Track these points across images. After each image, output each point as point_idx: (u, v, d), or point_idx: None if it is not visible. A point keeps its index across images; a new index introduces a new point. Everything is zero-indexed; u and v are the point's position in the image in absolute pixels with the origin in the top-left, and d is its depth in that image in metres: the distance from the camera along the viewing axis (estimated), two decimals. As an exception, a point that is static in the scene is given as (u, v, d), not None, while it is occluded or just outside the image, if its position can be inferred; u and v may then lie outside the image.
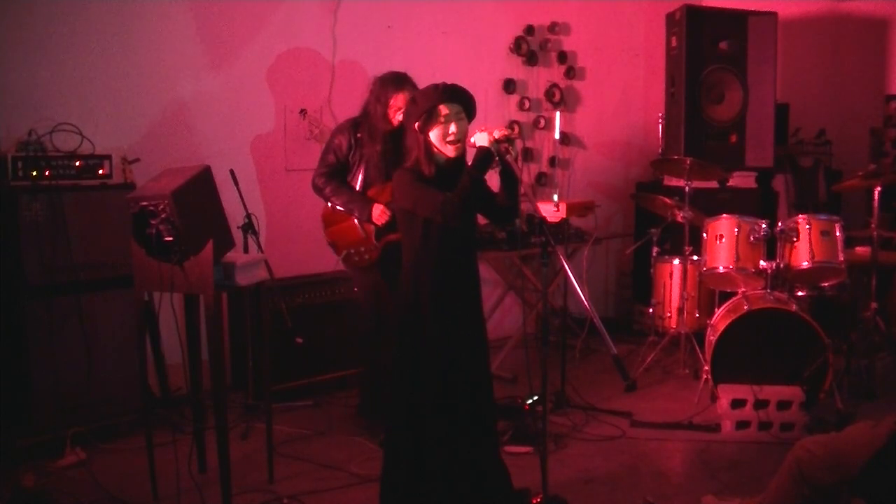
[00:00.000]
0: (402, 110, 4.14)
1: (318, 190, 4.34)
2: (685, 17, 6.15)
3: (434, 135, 3.16)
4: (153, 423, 3.79)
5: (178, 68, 4.99)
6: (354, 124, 4.32)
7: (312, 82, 5.50)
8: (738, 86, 6.32)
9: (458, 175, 3.19)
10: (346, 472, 3.98)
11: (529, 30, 6.57)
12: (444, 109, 3.14)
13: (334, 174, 4.32)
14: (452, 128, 3.15)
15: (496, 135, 3.16)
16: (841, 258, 4.78)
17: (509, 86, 6.49)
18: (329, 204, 4.35)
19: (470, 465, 3.26)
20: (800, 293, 5.04)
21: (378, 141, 4.23)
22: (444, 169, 3.22)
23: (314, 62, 5.51)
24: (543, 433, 3.36)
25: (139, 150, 4.74)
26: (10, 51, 4.38)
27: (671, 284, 5.82)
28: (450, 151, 3.18)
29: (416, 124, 3.18)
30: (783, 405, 4.36)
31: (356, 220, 4.28)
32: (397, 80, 4.21)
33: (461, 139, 3.18)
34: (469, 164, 3.19)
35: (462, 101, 3.19)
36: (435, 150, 3.19)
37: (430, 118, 3.15)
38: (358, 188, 4.30)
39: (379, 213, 4.20)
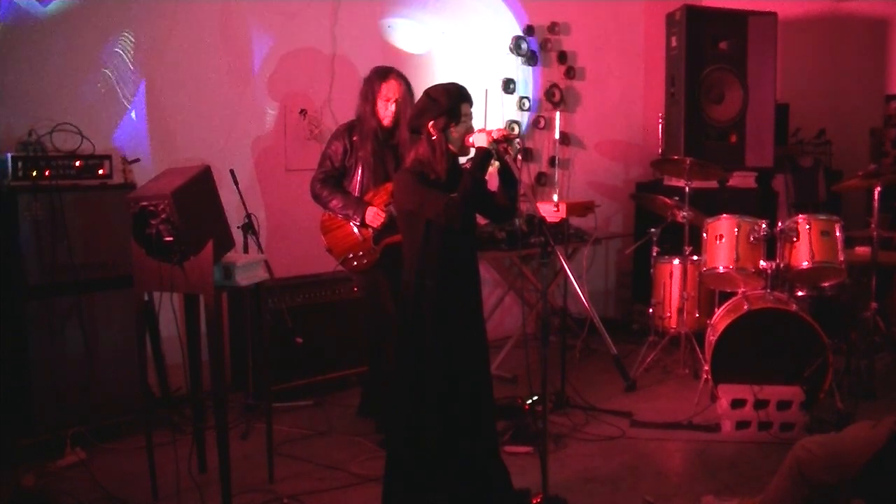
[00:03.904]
0: (393, 99, 4.18)
1: (315, 197, 4.36)
2: (685, 17, 6.16)
3: (456, 133, 3.18)
4: (153, 423, 3.79)
5: (179, 68, 4.99)
6: (349, 128, 4.34)
7: (312, 82, 5.50)
8: (738, 86, 6.32)
9: (455, 174, 3.20)
10: (346, 472, 3.98)
11: (529, 30, 6.57)
12: (465, 108, 3.19)
13: (330, 179, 4.34)
14: (471, 125, 3.21)
15: (495, 135, 3.17)
16: (841, 258, 4.77)
17: (509, 86, 6.49)
18: (327, 210, 4.36)
19: (470, 465, 3.26)
20: (800, 293, 5.04)
21: (368, 139, 4.24)
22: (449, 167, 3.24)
23: (314, 62, 5.51)
24: (543, 433, 3.36)
25: (139, 150, 4.74)
26: (10, 50, 4.39)
27: (671, 284, 5.81)
28: (460, 148, 3.21)
29: (432, 123, 3.17)
30: (783, 405, 4.36)
31: (353, 225, 4.28)
32: (381, 72, 4.25)
33: None
34: (468, 164, 3.21)
35: (472, 102, 3.26)
36: (448, 148, 3.20)
37: (452, 117, 3.17)
38: (357, 191, 4.31)
39: (372, 215, 4.20)
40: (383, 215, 4.17)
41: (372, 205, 4.22)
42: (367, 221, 4.21)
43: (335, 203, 4.28)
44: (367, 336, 4.49)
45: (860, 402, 4.64)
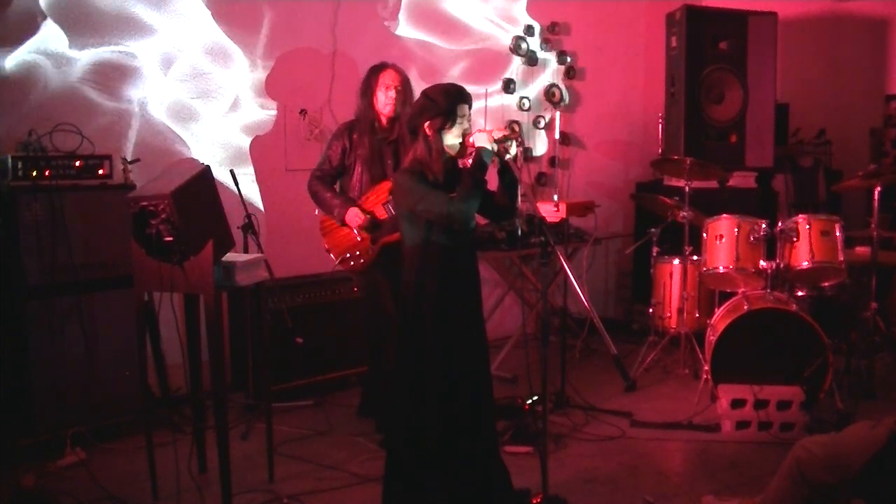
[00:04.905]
0: (392, 86, 4.22)
1: (311, 193, 4.40)
2: (685, 17, 6.16)
3: (452, 134, 3.18)
4: (153, 423, 3.79)
5: (179, 68, 4.99)
6: (350, 127, 4.36)
7: (312, 82, 5.51)
8: (738, 86, 6.32)
9: (454, 175, 3.21)
10: (346, 472, 3.98)
11: (529, 30, 6.57)
12: (462, 109, 3.18)
13: (326, 177, 4.38)
14: (467, 126, 3.20)
15: (496, 135, 3.17)
16: (841, 258, 4.77)
17: (509, 86, 6.49)
18: (319, 206, 4.38)
19: (470, 465, 3.26)
20: (800, 293, 5.04)
21: (366, 134, 4.26)
22: (445, 168, 3.24)
23: (314, 62, 5.51)
24: (543, 433, 3.37)
25: (139, 150, 4.74)
26: (10, 50, 4.39)
27: (671, 284, 5.81)
28: (456, 150, 3.20)
29: (428, 123, 3.17)
30: (783, 405, 4.36)
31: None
32: (376, 67, 4.32)
33: None
34: (468, 164, 3.21)
35: (471, 102, 3.25)
36: (445, 149, 3.19)
37: (449, 118, 3.16)
38: (357, 189, 4.32)
39: (352, 215, 4.22)
40: (363, 217, 4.19)
41: (357, 205, 4.23)
42: (347, 220, 4.22)
43: (322, 201, 4.31)
44: (367, 336, 4.49)
45: (860, 402, 4.64)
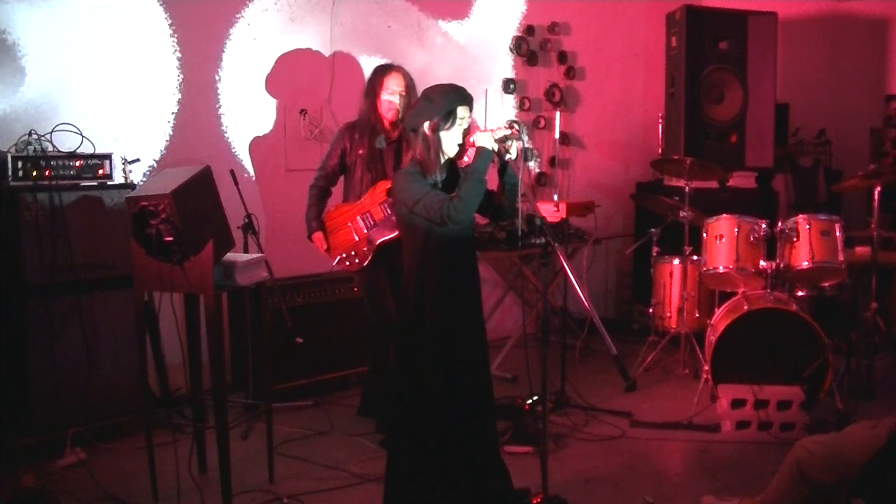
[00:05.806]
0: (397, 92, 4.22)
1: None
2: (685, 17, 6.15)
3: (449, 135, 3.17)
4: (153, 423, 3.79)
5: (178, 69, 4.99)
6: (351, 127, 4.37)
7: (312, 82, 5.51)
8: (738, 86, 6.32)
9: (452, 175, 3.22)
10: (346, 472, 3.98)
11: (529, 30, 6.57)
12: (461, 111, 3.17)
13: (321, 181, 4.42)
14: (467, 127, 3.19)
15: (497, 135, 3.17)
16: (841, 258, 4.77)
17: (509, 86, 6.49)
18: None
19: (470, 465, 3.26)
20: (800, 293, 5.04)
21: (366, 135, 4.28)
22: (444, 169, 3.24)
23: (314, 62, 5.51)
24: (543, 433, 3.37)
25: (139, 149, 4.74)
26: (11, 50, 4.39)
27: (671, 284, 5.81)
28: (454, 152, 3.19)
29: (427, 124, 3.17)
30: (783, 405, 4.36)
31: (350, 225, 4.29)
32: (381, 68, 4.32)
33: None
34: (468, 164, 3.21)
35: (471, 104, 3.24)
36: (444, 149, 3.19)
37: (447, 119, 3.15)
38: (357, 188, 4.33)
39: (313, 238, 4.34)
40: (324, 245, 4.30)
41: (325, 230, 4.31)
42: (309, 238, 4.35)
43: (309, 209, 4.38)
44: (368, 336, 4.49)
45: (860, 402, 4.64)
